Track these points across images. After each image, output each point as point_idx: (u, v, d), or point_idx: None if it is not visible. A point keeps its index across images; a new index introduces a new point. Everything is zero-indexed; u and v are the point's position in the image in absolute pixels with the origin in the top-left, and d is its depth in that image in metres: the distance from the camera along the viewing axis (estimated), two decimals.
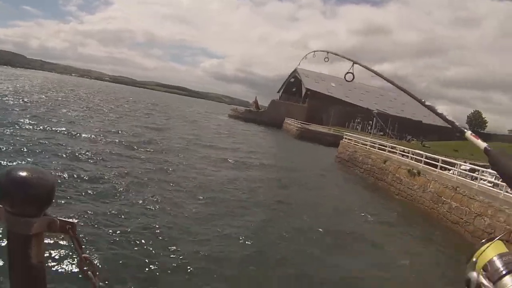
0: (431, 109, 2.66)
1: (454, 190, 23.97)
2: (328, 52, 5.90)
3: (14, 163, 18.68)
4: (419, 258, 17.10)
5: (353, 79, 4.54)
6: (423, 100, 2.86)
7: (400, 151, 36.76)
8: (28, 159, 21.30)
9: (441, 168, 27.97)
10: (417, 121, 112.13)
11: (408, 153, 34.49)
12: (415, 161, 32.25)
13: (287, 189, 26.64)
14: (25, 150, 23.42)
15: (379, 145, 40.69)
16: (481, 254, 1.53)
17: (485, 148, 1.91)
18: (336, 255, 15.40)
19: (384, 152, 38.00)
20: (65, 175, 19.41)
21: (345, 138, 49.72)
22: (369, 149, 41.02)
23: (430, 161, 29.62)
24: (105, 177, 20.36)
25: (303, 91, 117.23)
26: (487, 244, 1.53)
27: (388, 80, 3.54)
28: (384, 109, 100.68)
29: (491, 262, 1.47)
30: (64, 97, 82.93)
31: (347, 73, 4.55)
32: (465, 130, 2.16)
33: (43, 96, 75.03)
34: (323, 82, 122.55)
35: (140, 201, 17.51)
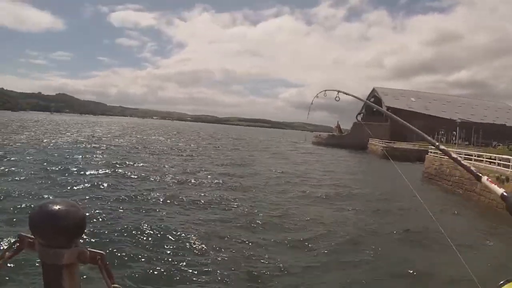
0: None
1: None
2: (338, 91, 6.87)
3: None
4: None
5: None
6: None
7: (487, 158, 36.85)
8: (101, 204, 21.39)
9: None
10: (500, 125, 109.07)
11: (495, 159, 34.55)
12: (503, 167, 32.03)
13: (378, 217, 25.37)
14: (100, 193, 24.29)
15: (465, 154, 40.48)
16: None
17: (502, 194, 1.92)
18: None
19: (471, 161, 36.77)
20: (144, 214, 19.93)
21: (430, 152, 49.89)
22: None
23: None
24: (191, 221, 19.48)
25: (384, 109, 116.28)
26: (507, 286, 1.50)
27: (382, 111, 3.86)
28: (467, 118, 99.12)
29: None
30: (143, 140, 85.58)
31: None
32: (481, 176, 2.22)
33: (121, 140, 78.71)
34: (402, 98, 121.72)
35: (231, 247, 16.12)
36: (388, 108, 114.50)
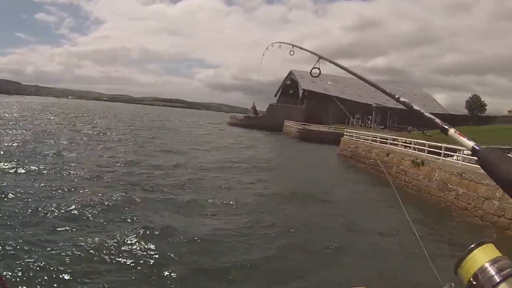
0: (407, 105, 2.46)
1: (460, 176, 23.78)
2: (293, 46, 6.23)
3: None
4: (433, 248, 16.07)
5: (319, 75, 4.60)
6: (397, 96, 2.59)
7: (402, 142, 36.64)
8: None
9: (445, 155, 27.69)
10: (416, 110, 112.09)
11: (410, 143, 34.39)
12: (418, 151, 31.99)
13: (289, 191, 25.21)
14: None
15: (380, 138, 40.52)
16: (470, 261, 1.39)
17: (472, 147, 1.75)
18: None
19: (386, 145, 37.80)
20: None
21: (346, 135, 49.46)
22: (370, 143, 40.86)
23: (433, 150, 29.33)
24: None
25: (300, 92, 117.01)
26: (477, 249, 1.41)
27: (355, 75, 3.58)
28: (383, 102, 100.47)
29: (482, 269, 1.34)
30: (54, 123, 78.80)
31: (313, 68, 4.56)
32: (448, 128, 1.96)
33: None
34: (319, 82, 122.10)
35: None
36: (305, 91, 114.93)
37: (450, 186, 24.59)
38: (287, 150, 57.19)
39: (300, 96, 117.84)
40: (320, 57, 4.57)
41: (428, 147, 29.93)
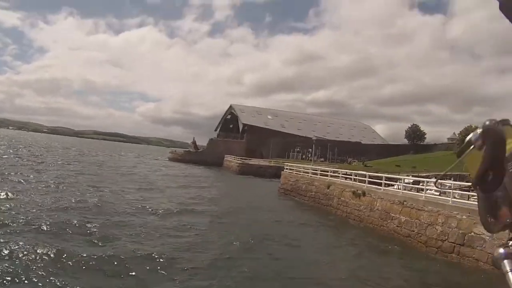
0: None
1: (402, 205, 23.90)
2: None
3: None
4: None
5: None
6: None
7: (343, 174, 36.47)
8: None
9: (386, 185, 27.92)
10: (356, 142, 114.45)
11: (351, 175, 34.42)
12: (358, 182, 32.10)
13: (232, 229, 24.19)
14: None
15: (321, 171, 40.24)
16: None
17: None
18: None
19: (327, 177, 37.46)
20: None
21: (286, 169, 48.96)
22: (311, 176, 40.50)
23: (374, 180, 29.47)
24: None
25: (240, 126, 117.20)
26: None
27: None
28: (323, 135, 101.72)
29: None
30: None
31: None
32: None
33: None
34: (259, 116, 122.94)
35: None
36: (245, 125, 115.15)
37: (392, 215, 24.53)
38: (227, 187, 55.59)
39: (240, 130, 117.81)
40: None
41: (369, 178, 29.96)
